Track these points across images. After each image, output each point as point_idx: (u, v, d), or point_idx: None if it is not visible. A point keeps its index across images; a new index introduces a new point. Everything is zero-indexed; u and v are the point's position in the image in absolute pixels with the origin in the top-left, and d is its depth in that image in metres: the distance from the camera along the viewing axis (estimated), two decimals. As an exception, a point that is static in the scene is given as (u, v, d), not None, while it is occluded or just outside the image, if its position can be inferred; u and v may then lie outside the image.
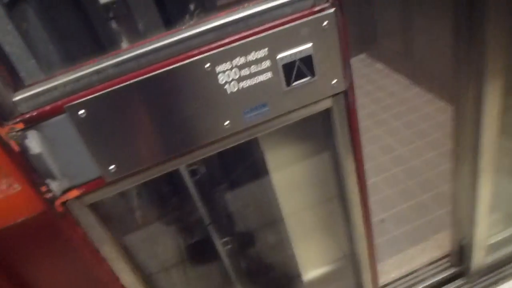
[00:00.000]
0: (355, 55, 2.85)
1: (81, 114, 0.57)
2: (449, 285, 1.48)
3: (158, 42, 0.57)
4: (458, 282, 1.46)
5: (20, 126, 0.56)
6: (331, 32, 0.61)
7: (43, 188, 0.61)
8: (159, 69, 0.57)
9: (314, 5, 0.60)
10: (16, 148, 0.57)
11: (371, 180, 2.01)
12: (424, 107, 2.31)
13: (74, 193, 0.63)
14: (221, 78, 0.60)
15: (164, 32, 0.58)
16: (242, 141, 0.67)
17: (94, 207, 0.67)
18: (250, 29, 0.59)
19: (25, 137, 0.57)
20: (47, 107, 0.56)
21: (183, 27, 0.59)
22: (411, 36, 2.29)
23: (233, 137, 0.66)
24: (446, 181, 1.91)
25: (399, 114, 2.33)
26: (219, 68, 0.59)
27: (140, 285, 0.77)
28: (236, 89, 0.61)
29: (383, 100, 2.48)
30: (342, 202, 0.89)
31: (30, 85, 0.56)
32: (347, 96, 0.68)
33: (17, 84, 0.57)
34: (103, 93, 0.57)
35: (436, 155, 2.03)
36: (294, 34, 0.60)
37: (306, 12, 0.59)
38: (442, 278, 1.47)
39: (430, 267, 1.59)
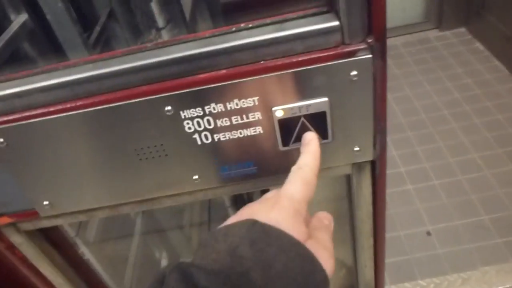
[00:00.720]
0: (452, 27, 2.43)
1: (0, 143, 0.43)
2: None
3: (99, 68, 0.40)
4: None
5: None
6: (362, 86, 0.40)
7: (-33, 210, 0.50)
8: (98, 104, 0.41)
9: (341, 44, 0.39)
10: None
11: (428, 183, 1.76)
12: (518, 108, 1.94)
13: (5, 219, 0.52)
14: (189, 126, 0.43)
15: (110, 52, 0.41)
16: (218, 196, 0.51)
17: (33, 234, 0.56)
18: (234, 66, 0.40)
19: None
20: (-42, 127, 0.43)
21: (142, 47, 0.41)
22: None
23: (204, 192, 0.50)
24: (518, 205, 1.62)
25: (484, 110, 1.98)
26: (185, 114, 0.42)
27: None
28: (209, 141, 0.44)
29: (471, 88, 2.12)
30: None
31: None
32: (374, 167, 0.48)
33: None
34: (26, 123, 0.42)
35: (515, 171, 1.71)
36: (302, 82, 0.40)
37: (325, 53, 0.39)
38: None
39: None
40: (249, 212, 0.36)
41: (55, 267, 0.60)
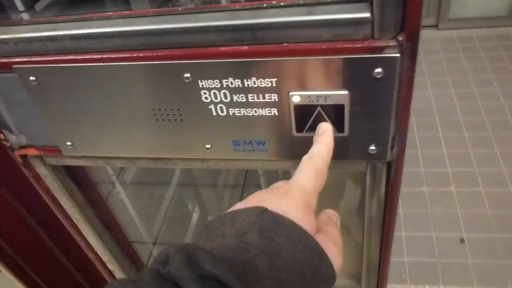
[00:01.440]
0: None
1: (32, 80, 0.46)
2: None
3: (128, 24, 0.41)
4: None
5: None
6: (385, 85, 0.38)
7: (1, 136, 0.54)
8: (122, 60, 0.42)
9: (369, 38, 0.37)
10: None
11: (474, 189, 1.68)
12: None
13: (33, 151, 0.55)
14: (205, 96, 0.43)
15: (143, 10, 0.41)
16: (229, 168, 0.51)
17: (57, 169, 0.60)
18: (256, 44, 0.39)
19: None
20: (-4, 60, 0.46)
21: (174, 10, 0.41)
22: None
23: (216, 162, 0.50)
24: None
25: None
26: (203, 84, 0.42)
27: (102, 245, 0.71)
28: (224, 114, 0.44)
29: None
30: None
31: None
32: (389, 168, 0.46)
33: None
34: (56, 66, 0.44)
35: None
36: (323, 71, 0.39)
37: (351, 45, 0.37)
38: None
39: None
40: (258, 199, 0.35)
41: (74, 203, 0.64)
